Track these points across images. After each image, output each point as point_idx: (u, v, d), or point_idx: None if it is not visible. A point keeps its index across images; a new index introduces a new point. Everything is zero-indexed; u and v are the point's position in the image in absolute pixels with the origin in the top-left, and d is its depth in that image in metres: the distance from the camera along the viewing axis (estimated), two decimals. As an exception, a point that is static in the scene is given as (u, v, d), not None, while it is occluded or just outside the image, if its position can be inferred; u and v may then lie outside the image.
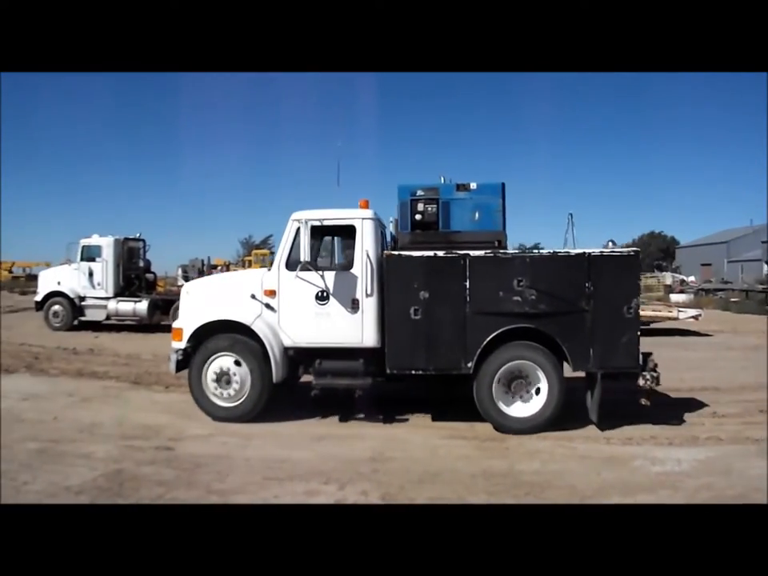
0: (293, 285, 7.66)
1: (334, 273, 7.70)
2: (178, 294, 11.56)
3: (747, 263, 54.05)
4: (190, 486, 5.54)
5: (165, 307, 18.11)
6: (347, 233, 7.94)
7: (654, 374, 7.30)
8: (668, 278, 44.46)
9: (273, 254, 26.98)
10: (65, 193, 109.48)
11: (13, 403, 8.59)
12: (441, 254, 7.41)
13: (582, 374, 7.50)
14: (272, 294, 7.72)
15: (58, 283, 18.36)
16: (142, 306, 17.91)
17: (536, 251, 7.94)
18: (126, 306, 18.01)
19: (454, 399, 8.09)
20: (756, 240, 55.23)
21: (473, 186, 8.83)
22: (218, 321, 7.77)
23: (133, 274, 18.97)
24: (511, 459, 6.39)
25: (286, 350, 7.74)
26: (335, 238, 8.94)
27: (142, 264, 19.74)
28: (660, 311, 17.82)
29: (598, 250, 7.35)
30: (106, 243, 18.28)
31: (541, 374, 7.23)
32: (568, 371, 7.43)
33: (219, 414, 7.73)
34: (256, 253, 41.25)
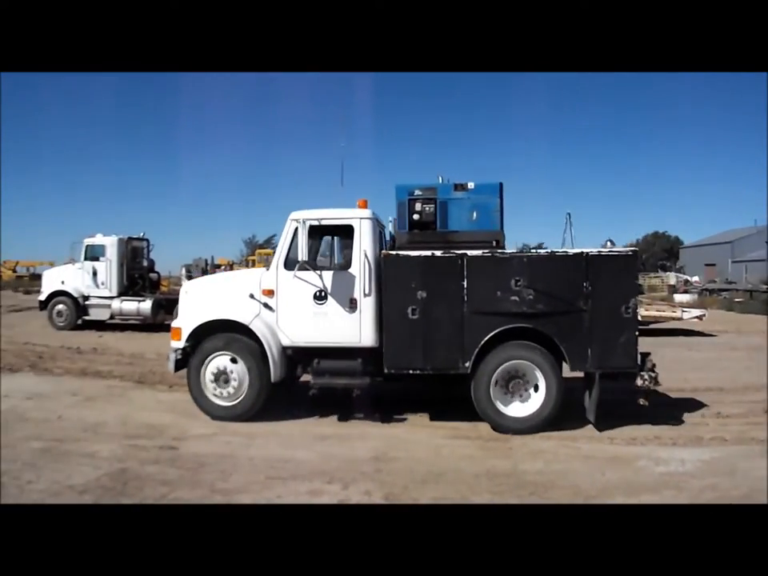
0: (291, 284, 7.67)
1: (332, 272, 7.71)
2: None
3: (751, 263, 53.86)
4: (193, 485, 5.55)
5: (168, 307, 18.07)
6: (345, 233, 7.95)
7: (653, 374, 7.29)
8: (672, 278, 44.55)
9: (276, 253, 26.84)
10: (69, 193, 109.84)
11: (17, 402, 8.61)
12: (438, 253, 7.41)
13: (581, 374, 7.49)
14: (270, 293, 7.73)
15: (62, 282, 18.40)
16: (146, 305, 17.93)
17: (533, 251, 7.92)
18: (129, 305, 18.03)
19: (453, 399, 8.09)
20: (760, 240, 54.95)
21: (470, 185, 8.84)
22: (217, 320, 7.80)
23: (137, 274, 19.01)
24: (515, 459, 6.38)
25: (284, 349, 7.75)
26: (334, 237, 8.94)
27: (145, 263, 19.77)
28: (664, 311, 17.78)
29: (596, 250, 7.33)
30: (109, 243, 18.32)
31: (538, 374, 7.22)
32: (568, 371, 7.42)
33: (217, 414, 7.74)
34: (260, 252, 41.19)
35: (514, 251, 7.66)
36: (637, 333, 7.17)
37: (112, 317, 18.30)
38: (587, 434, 7.24)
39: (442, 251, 7.44)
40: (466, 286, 7.25)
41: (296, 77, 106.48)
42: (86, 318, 18.38)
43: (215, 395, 7.77)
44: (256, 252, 43.05)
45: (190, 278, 14.16)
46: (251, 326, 7.63)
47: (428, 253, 7.42)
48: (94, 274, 18.09)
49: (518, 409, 7.31)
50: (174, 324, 8.14)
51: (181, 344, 7.91)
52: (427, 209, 8.68)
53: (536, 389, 7.27)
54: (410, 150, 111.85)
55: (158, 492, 5.33)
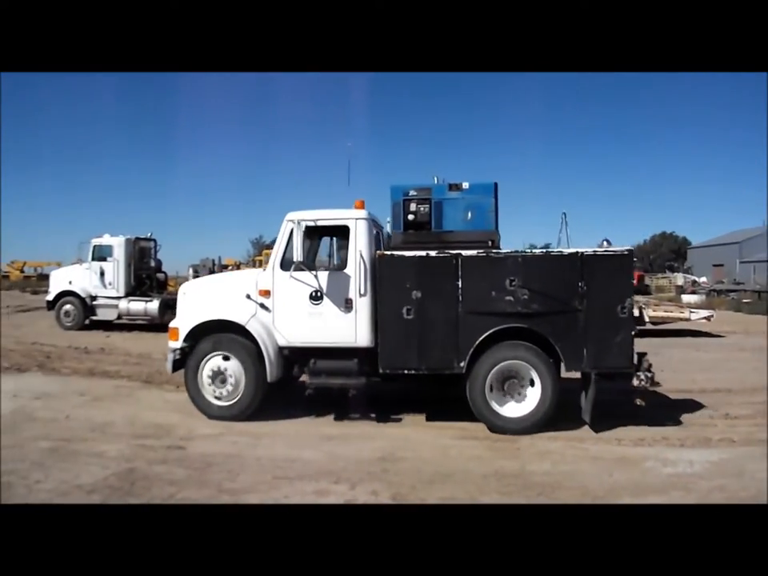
0: (287, 285, 7.69)
1: (327, 273, 7.72)
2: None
3: (759, 264, 53.48)
4: (201, 485, 5.56)
5: (176, 307, 18.13)
6: (341, 233, 7.96)
7: (649, 374, 7.25)
8: (680, 278, 44.39)
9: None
10: (70, 192, 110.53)
11: (25, 402, 8.66)
12: (433, 253, 7.39)
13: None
14: (266, 294, 7.77)
15: (70, 283, 18.49)
16: (153, 305, 17.95)
17: (529, 251, 7.88)
18: (137, 305, 18.07)
19: (448, 399, 8.07)
20: (769, 241, 54.72)
21: (465, 185, 8.84)
22: (214, 320, 7.84)
23: (144, 274, 19.07)
24: (523, 460, 6.36)
25: (280, 349, 7.78)
26: (331, 238, 8.94)
27: (153, 264, 19.83)
28: (672, 312, 17.66)
29: (591, 250, 7.27)
30: (117, 243, 18.37)
31: (534, 374, 7.20)
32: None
33: (214, 413, 7.78)
34: (266, 253, 41.08)
35: (509, 251, 7.60)
36: (633, 333, 7.11)
37: (119, 317, 18.36)
38: (595, 435, 7.21)
39: (436, 251, 7.43)
40: (460, 286, 7.23)
41: (296, 77, 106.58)
42: (94, 318, 18.47)
43: (212, 395, 7.81)
44: (263, 252, 43.08)
45: (197, 278, 14.25)
46: (247, 326, 7.68)
47: (423, 253, 7.41)
48: (102, 274, 18.15)
49: (514, 409, 7.28)
50: (172, 324, 8.23)
51: (178, 344, 7.98)
52: (422, 209, 8.70)
53: (533, 385, 7.24)
54: (408, 150, 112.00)
55: (165, 492, 5.34)
